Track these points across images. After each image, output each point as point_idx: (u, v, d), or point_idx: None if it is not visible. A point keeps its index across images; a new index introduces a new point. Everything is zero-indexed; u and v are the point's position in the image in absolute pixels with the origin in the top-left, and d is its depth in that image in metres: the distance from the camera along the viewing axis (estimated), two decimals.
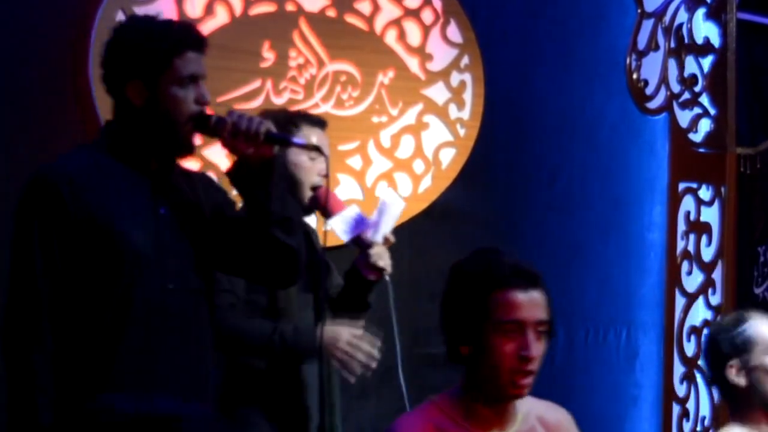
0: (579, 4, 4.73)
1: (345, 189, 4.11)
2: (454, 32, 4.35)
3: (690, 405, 4.76)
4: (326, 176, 3.13)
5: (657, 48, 4.73)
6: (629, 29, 4.68)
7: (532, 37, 4.62)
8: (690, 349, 4.77)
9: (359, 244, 3.28)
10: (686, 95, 4.82)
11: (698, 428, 4.75)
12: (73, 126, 3.67)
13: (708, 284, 4.83)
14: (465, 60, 4.37)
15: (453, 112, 4.36)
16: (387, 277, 3.28)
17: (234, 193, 2.72)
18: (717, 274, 4.84)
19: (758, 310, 3.16)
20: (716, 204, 4.87)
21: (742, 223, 4.92)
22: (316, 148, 2.91)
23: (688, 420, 4.75)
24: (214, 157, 3.82)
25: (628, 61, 4.67)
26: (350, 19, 4.17)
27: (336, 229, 3.25)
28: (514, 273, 2.37)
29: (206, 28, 3.77)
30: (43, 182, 2.54)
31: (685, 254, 4.83)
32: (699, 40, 4.83)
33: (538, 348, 2.35)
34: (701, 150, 4.86)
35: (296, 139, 2.84)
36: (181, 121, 2.58)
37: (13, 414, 2.50)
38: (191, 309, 2.61)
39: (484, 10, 4.48)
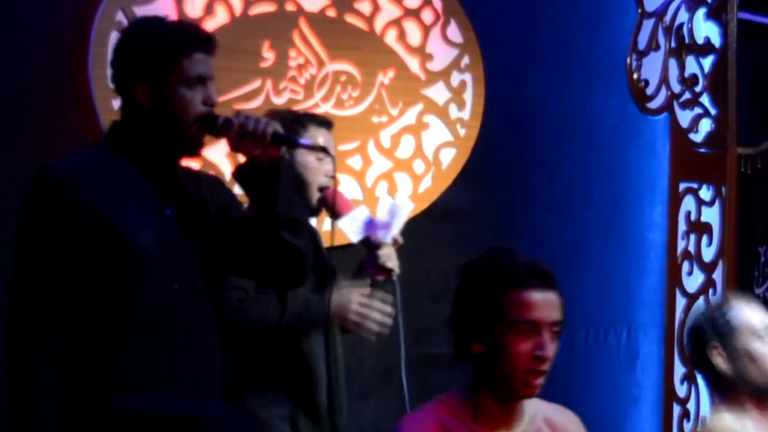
0: (579, 4, 4.72)
1: (345, 189, 4.10)
2: (454, 32, 4.35)
3: (691, 405, 4.76)
4: (333, 177, 3.14)
5: (657, 48, 4.73)
6: (629, 29, 4.68)
7: (532, 37, 4.62)
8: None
9: (368, 245, 3.28)
10: (687, 95, 4.81)
11: (699, 428, 4.75)
12: (73, 126, 3.67)
13: (708, 284, 4.82)
14: (465, 60, 4.36)
15: (453, 112, 4.36)
16: (395, 278, 3.29)
17: (240, 193, 2.72)
18: (718, 275, 4.84)
19: None
20: (717, 204, 4.87)
21: (742, 224, 4.92)
22: (323, 149, 2.92)
23: (688, 420, 4.75)
24: (214, 157, 3.82)
25: (628, 61, 4.67)
26: (350, 19, 4.17)
27: (345, 230, 3.26)
28: (530, 273, 2.37)
29: (206, 28, 3.76)
30: (48, 182, 2.55)
31: (686, 254, 4.82)
32: (700, 40, 4.83)
33: (552, 348, 2.36)
34: (702, 150, 4.85)
35: (303, 140, 2.84)
36: (187, 121, 2.57)
37: (15, 414, 2.51)
38: (197, 309, 2.61)
39: (484, 10, 4.47)
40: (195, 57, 2.58)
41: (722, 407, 2.97)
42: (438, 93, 4.33)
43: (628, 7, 4.71)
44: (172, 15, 3.74)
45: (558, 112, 4.68)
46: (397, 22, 4.26)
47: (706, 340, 2.97)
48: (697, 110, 4.84)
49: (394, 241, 3.31)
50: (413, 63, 4.29)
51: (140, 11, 3.68)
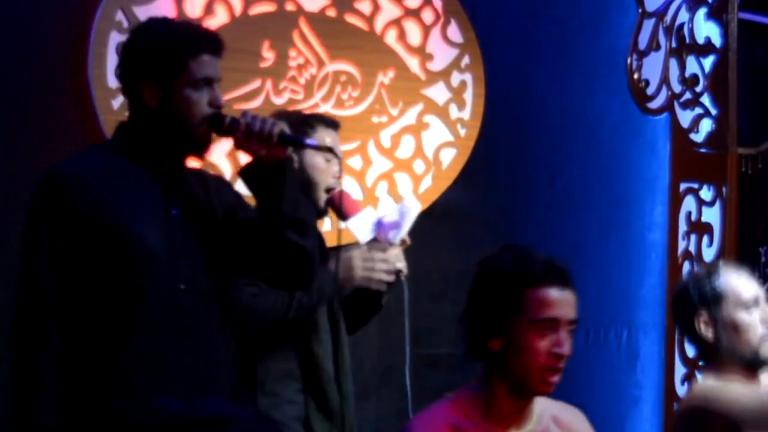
0: (580, 4, 4.72)
1: (345, 189, 4.10)
2: (454, 32, 4.35)
3: None
4: (339, 177, 3.15)
5: (658, 48, 4.72)
6: (630, 29, 4.68)
7: (532, 36, 4.62)
8: (691, 350, 4.76)
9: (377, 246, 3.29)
10: (687, 95, 4.81)
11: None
12: (73, 126, 3.67)
13: None
14: (465, 60, 4.36)
15: (453, 112, 4.35)
16: (403, 279, 3.30)
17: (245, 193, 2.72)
18: None
19: None
20: (717, 204, 4.86)
21: (743, 224, 4.91)
22: (329, 150, 2.93)
23: None
24: (214, 157, 3.82)
25: (629, 61, 4.66)
26: (350, 18, 4.17)
27: (354, 231, 3.26)
28: (549, 270, 2.39)
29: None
30: (55, 182, 2.55)
31: (686, 254, 4.82)
32: (700, 40, 4.82)
33: (569, 346, 2.36)
34: (702, 150, 4.85)
35: (309, 141, 2.84)
36: (194, 123, 2.58)
37: (17, 413, 2.52)
38: (202, 310, 2.62)
39: (484, 9, 4.47)
40: (202, 58, 2.59)
41: (709, 374, 2.94)
42: (438, 93, 4.33)
43: (628, 7, 4.71)
44: (172, 15, 3.74)
45: (558, 112, 4.68)
46: (397, 22, 4.26)
47: (692, 307, 2.94)
48: (698, 110, 4.83)
49: (402, 242, 3.32)
50: (413, 63, 4.29)
51: (140, 11, 3.68)
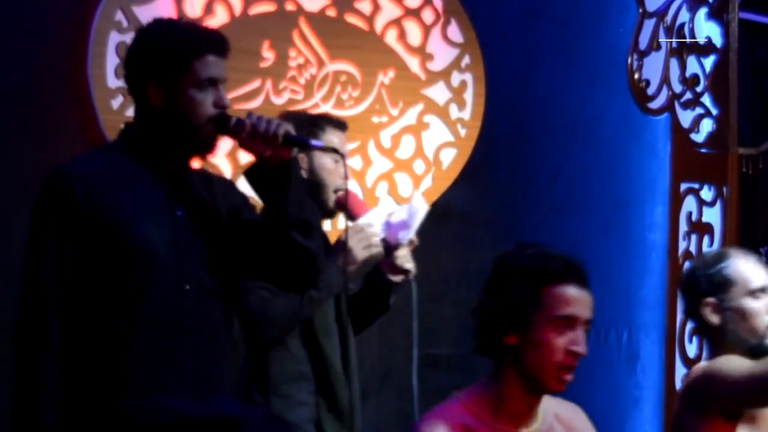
0: (580, 3, 4.72)
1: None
2: (454, 32, 4.35)
3: None
4: (345, 178, 3.15)
5: (658, 48, 4.72)
6: (630, 29, 4.67)
7: (533, 36, 4.61)
8: (692, 350, 4.76)
9: (385, 246, 3.29)
10: (688, 95, 4.81)
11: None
12: (72, 126, 3.67)
13: None
14: (466, 60, 4.36)
15: (454, 112, 4.35)
16: (411, 279, 3.30)
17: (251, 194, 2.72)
18: None
19: None
20: (718, 204, 4.86)
21: (744, 224, 4.91)
22: (334, 150, 2.94)
23: None
24: (214, 157, 3.81)
25: (629, 60, 4.66)
26: (350, 18, 4.17)
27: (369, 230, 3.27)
28: (569, 268, 2.39)
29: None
30: (58, 183, 2.55)
31: (687, 255, 4.82)
32: (701, 40, 4.82)
33: (585, 346, 2.37)
34: (703, 150, 4.85)
35: (314, 142, 2.83)
36: (199, 123, 2.58)
37: (17, 413, 2.52)
38: (207, 310, 2.62)
39: (484, 9, 4.47)
40: (206, 59, 2.59)
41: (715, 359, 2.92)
42: (438, 93, 4.32)
43: (629, 7, 4.70)
44: (172, 15, 3.73)
45: (559, 112, 4.67)
46: (397, 22, 4.25)
47: (700, 291, 2.92)
48: (699, 110, 4.83)
49: (410, 242, 3.32)
50: (413, 63, 4.29)
51: (139, 11, 3.68)
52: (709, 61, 4.85)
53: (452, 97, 4.34)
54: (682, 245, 4.81)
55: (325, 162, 3.25)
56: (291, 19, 4.03)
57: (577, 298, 2.38)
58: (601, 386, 4.69)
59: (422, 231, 4.22)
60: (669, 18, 4.75)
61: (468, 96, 4.36)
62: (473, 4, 4.40)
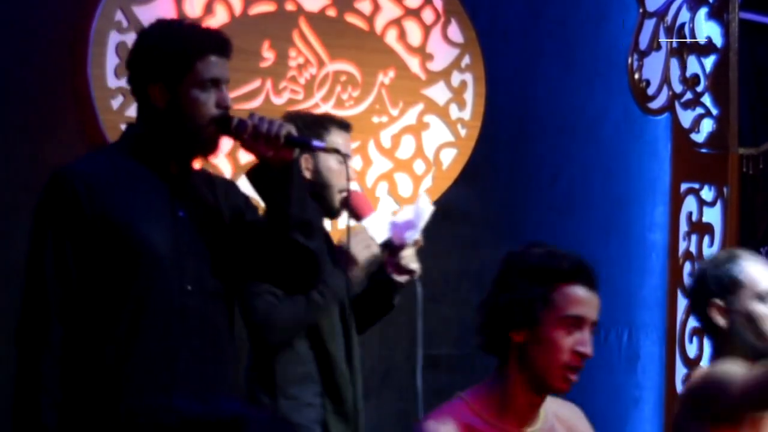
0: (580, 3, 4.72)
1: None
2: (454, 32, 4.34)
3: None
4: (348, 179, 3.15)
5: (659, 48, 4.72)
6: (631, 29, 4.67)
7: (533, 36, 4.61)
8: (692, 350, 4.76)
9: (391, 246, 3.29)
10: (688, 95, 4.81)
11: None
12: (72, 126, 3.67)
13: None
14: (466, 60, 4.36)
15: (454, 112, 4.35)
16: (416, 279, 3.30)
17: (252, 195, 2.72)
18: None
19: None
20: (718, 204, 4.86)
21: (744, 224, 4.91)
22: (336, 151, 2.94)
23: None
24: (214, 158, 3.81)
25: (629, 60, 4.66)
26: (350, 18, 4.16)
27: (368, 232, 3.27)
28: (579, 269, 2.39)
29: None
30: (60, 183, 2.55)
31: (687, 255, 4.81)
32: (701, 40, 4.82)
33: (592, 348, 2.38)
34: (703, 150, 4.85)
35: (316, 142, 2.82)
36: (201, 124, 2.58)
37: (17, 413, 2.52)
38: (209, 311, 2.61)
39: (484, 9, 4.47)
40: (209, 59, 2.58)
41: (717, 362, 2.90)
42: (438, 93, 4.32)
43: (629, 7, 4.70)
44: (172, 15, 3.73)
45: (559, 112, 4.67)
46: (397, 22, 4.25)
47: (707, 292, 2.90)
48: (699, 110, 4.83)
49: (415, 242, 3.32)
50: (414, 63, 4.29)
51: (139, 11, 3.68)
52: (709, 61, 4.84)
53: (452, 97, 4.34)
54: (682, 245, 4.81)
55: (330, 163, 3.26)
56: (291, 19, 4.03)
57: (586, 300, 2.38)
58: (601, 386, 4.68)
59: (422, 231, 4.23)
60: (669, 18, 4.75)
61: (468, 96, 4.36)
62: (473, 4, 4.40)
